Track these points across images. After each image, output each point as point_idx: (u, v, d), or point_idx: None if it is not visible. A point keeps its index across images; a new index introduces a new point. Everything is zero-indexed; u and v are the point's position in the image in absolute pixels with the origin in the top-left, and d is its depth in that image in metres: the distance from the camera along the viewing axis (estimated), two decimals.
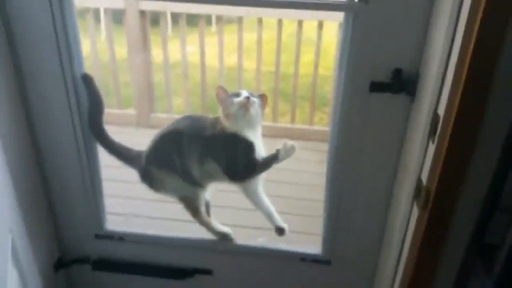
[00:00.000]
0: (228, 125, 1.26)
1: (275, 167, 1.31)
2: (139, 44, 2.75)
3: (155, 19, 2.80)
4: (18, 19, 1.09)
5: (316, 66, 2.63)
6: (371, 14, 1.00)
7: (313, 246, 1.40)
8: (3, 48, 1.10)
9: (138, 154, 1.33)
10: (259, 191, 1.37)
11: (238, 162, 1.30)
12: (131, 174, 1.36)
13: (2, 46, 1.10)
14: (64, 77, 1.14)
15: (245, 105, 1.24)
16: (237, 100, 1.25)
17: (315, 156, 1.61)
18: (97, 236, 1.40)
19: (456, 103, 0.84)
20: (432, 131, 0.96)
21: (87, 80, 1.19)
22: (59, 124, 1.21)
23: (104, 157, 1.33)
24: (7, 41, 1.10)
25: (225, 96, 1.28)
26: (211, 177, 1.34)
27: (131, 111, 2.96)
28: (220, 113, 1.29)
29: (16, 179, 1.12)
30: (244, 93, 1.26)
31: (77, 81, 1.17)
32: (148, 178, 1.34)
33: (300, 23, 2.55)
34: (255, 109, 1.26)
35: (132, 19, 2.69)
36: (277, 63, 2.63)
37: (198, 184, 1.34)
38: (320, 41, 2.59)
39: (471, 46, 0.79)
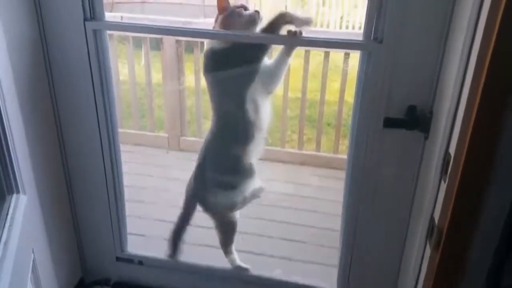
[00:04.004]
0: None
1: (298, 195, 1.32)
2: (174, 70, 2.88)
3: (190, 47, 2.94)
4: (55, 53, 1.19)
5: (342, 94, 2.65)
6: (385, 53, 1.03)
7: (329, 280, 1.38)
8: (43, 73, 1.21)
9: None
10: None
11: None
12: (152, 196, 1.41)
13: (42, 71, 1.20)
14: (95, 98, 1.23)
15: (255, 20, 1.15)
16: (247, 12, 1.16)
17: (338, 184, 1.60)
18: (118, 259, 1.46)
19: (467, 142, 0.83)
20: (444, 170, 0.96)
21: None
22: (87, 144, 1.29)
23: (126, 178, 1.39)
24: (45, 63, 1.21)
25: (226, 6, 1.17)
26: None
27: (163, 134, 3.07)
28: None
29: (43, 201, 1.19)
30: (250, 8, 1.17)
31: (106, 99, 1.24)
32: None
33: (327, 54, 2.59)
34: (259, 27, 1.16)
35: (168, 47, 2.83)
36: (303, 91, 2.67)
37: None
38: (347, 70, 2.62)
39: (480, 87, 0.79)
